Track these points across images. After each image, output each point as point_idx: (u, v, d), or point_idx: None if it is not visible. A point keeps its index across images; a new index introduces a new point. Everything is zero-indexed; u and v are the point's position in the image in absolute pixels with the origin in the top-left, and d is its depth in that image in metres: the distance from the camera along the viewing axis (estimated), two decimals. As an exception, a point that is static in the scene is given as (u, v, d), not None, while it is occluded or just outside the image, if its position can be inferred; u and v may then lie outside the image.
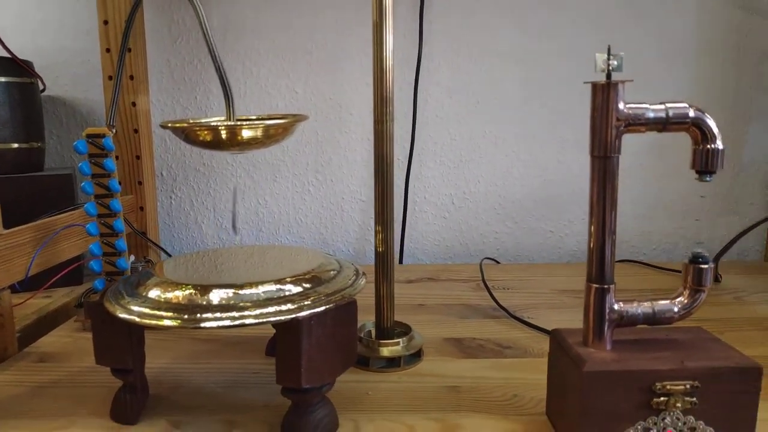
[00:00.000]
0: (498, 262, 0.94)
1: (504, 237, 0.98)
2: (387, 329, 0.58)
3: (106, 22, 0.83)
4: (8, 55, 0.81)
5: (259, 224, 0.98)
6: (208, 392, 0.51)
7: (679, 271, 0.84)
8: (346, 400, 0.49)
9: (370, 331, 0.60)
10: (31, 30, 0.93)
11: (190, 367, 0.56)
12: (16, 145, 0.82)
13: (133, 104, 0.86)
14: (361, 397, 0.50)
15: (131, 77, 0.85)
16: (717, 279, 0.81)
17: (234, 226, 0.51)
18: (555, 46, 0.92)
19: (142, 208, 0.88)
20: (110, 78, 0.84)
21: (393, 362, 0.56)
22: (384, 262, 0.58)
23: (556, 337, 0.44)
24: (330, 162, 0.96)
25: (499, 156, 0.96)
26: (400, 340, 0.57)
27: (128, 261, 0.65)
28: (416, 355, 0.57)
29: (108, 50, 0.84)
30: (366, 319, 0.60)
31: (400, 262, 0.97)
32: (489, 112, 0.95)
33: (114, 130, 0.64)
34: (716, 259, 0.82)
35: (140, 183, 0.88)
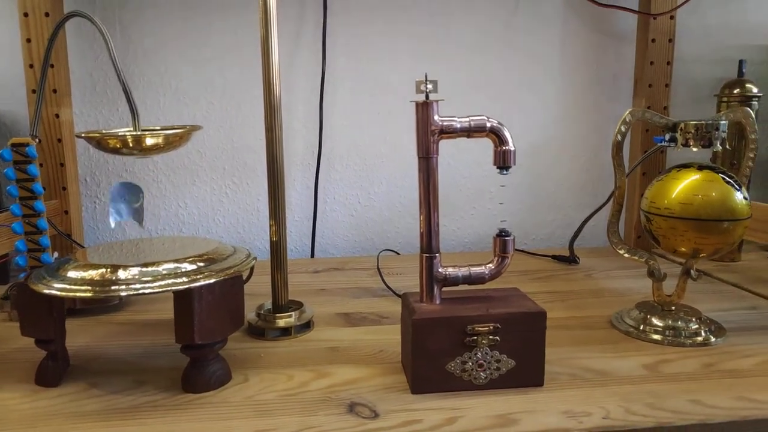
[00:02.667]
0: (398, 253, 1.07)
1: (404, 231, 1.11)
2: (282, 306, 0.69)
3: (29, 40, 0.90)
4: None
5: (179, 225, 1.07)
6: (122, 361, 0.60)
7: (548, 256, 0.99)
8: (240, 361, 0.59)
9: (269, 309, 0.71)
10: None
11: (108, 344, 0.65)
12: (-59, 155, 0.87)
13: (57, 116, 0.93)
14: (254, 358, 0.61)
15: (54, 91, 0.92)
16: (575, 260, 0.96)
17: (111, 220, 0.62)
18: (444, 64, 1.06)
19: (66, 212, 0.95)
20: (33, 92, 0.90)
21: (286, 331, 0.67)
22: (278, 250, 0.68)
23: (404, 298, 0.56)
24: (245, 166, 1.06)
25: (398, 160, 1.09)
26: (292, 313, 0.68)
27: (52, 257, 0.73)
28: (306, 326, 0.68)
29: (31, 66, 0.91)
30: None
31: (312, 255, 1.07)
32: (388, 121, 1.07)
33: (38, 140, 0.72)
34: (570, 244, 0.97)
35: (64, 188, 0.95)
